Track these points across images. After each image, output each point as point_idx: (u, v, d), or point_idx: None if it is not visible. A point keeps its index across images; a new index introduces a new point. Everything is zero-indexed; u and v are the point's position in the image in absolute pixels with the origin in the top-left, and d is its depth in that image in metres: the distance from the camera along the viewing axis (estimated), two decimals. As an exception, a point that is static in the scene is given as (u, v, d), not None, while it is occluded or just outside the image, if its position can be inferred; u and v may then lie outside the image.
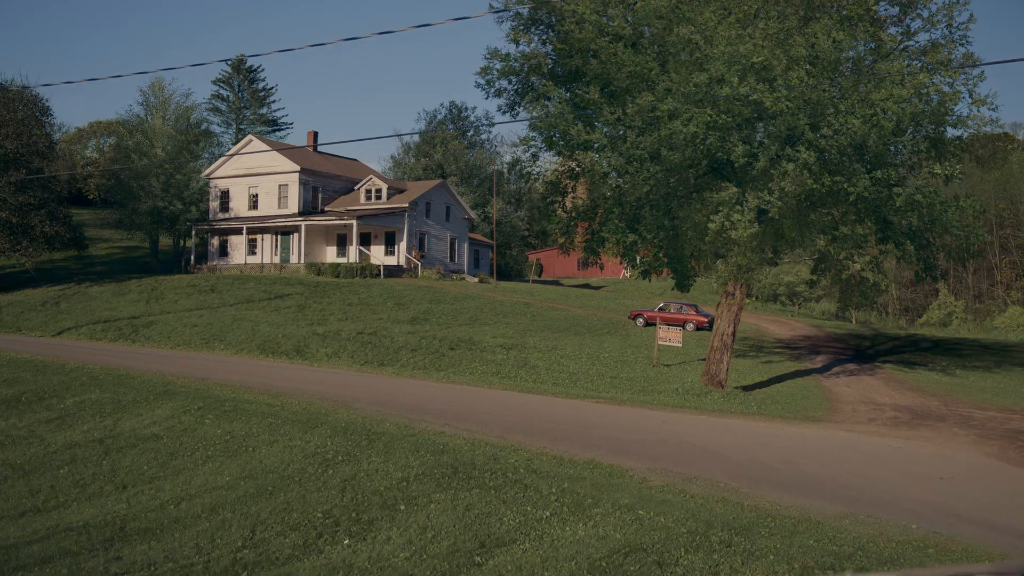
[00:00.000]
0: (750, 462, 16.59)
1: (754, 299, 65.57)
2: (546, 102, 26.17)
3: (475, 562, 11.82)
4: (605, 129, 26.06)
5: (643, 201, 26.27)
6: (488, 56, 26.15)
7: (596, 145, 25.92)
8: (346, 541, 12.88)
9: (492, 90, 26.55)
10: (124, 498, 15.05)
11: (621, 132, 26.09)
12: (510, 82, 26.67)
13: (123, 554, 12.52)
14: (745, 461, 16.67)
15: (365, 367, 29.49)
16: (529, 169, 26.60)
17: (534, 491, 14.34)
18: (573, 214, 27.54)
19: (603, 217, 26.68)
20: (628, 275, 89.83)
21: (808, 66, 25.39)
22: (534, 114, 26.16)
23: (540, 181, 26.83)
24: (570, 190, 27.34)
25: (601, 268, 29.56)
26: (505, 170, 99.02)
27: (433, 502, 14.10)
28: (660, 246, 26.54)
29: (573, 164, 26.48)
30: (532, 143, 26.56)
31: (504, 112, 27.27)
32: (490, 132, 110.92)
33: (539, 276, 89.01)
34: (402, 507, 14.01)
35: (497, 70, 26.29)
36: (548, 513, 13.45)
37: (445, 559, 11.95)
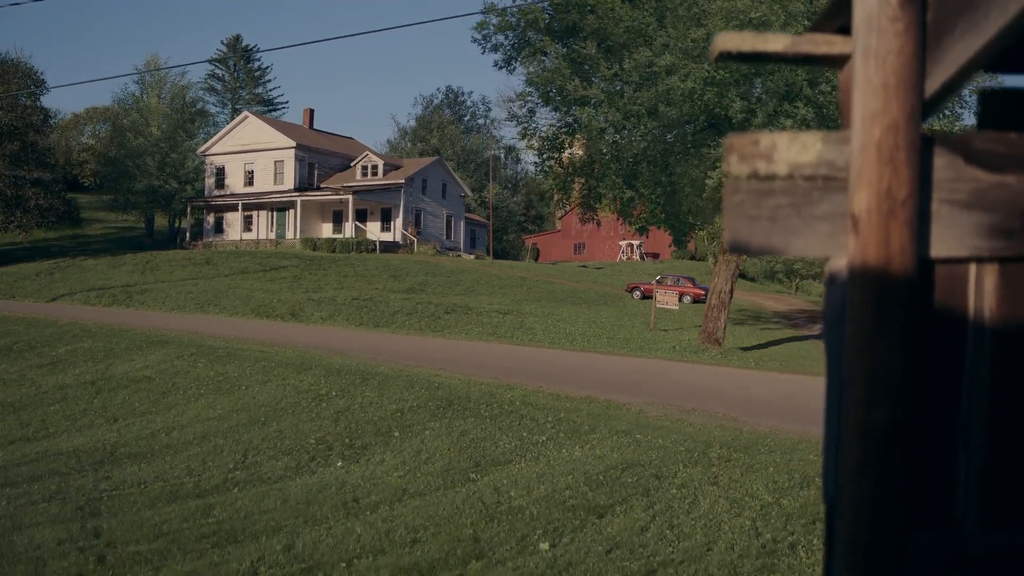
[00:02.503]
0: (748, 398, 16.44)
1: (748, 276, 65.43)
2: (543, 57, 25.94)
3: (470, 478, 11.65)
4: (602, 85, 25.83)
5: (640, 157, 26.06)
6: (485, 10, 25.92)
7: (593, 101, 25.68)
8: (339, 463, 12.72)
9: (488, 45, 26.31)
10: (115, 429, 14.87)
11: (618, 88, 25.87)
12: (507, 37, 26.40)
13: (112, 474, 12.35)
14: (743, 397, 16.52)
15: (360, 327, 29.31)
16: (525, 124, 26.37)
17: (530, 420, 14.18)
18: (570, 170, 27.33)
19: (600, 173, 26.47)
20: (625, 258, 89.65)
21: (806, 21, 25.17)
22: (531, 69, 25.92)
23: (536, 137, 26.56)
24: (567, 146, 27.13)
25: (598, 225, 29.32)
26: (502, 155, 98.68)
27: (428, 429, 13.94)
28: (657, 202, 26.33)
29: (570, 120, 26.25)
30: (528, 99, 26.34)
31: (500, 67, 27.06)
32: (487, 117, 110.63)
33: (535, 259, 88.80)
34: (396, 434, 13.85)
35: (493, 25, 26.05)
36: (544, 438, 13.29)
37: (439, 476, 11.78)
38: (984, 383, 1.55)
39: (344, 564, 8.59)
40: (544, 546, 9.08)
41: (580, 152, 27.23)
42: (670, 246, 43.54)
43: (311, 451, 13.24)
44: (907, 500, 1.48)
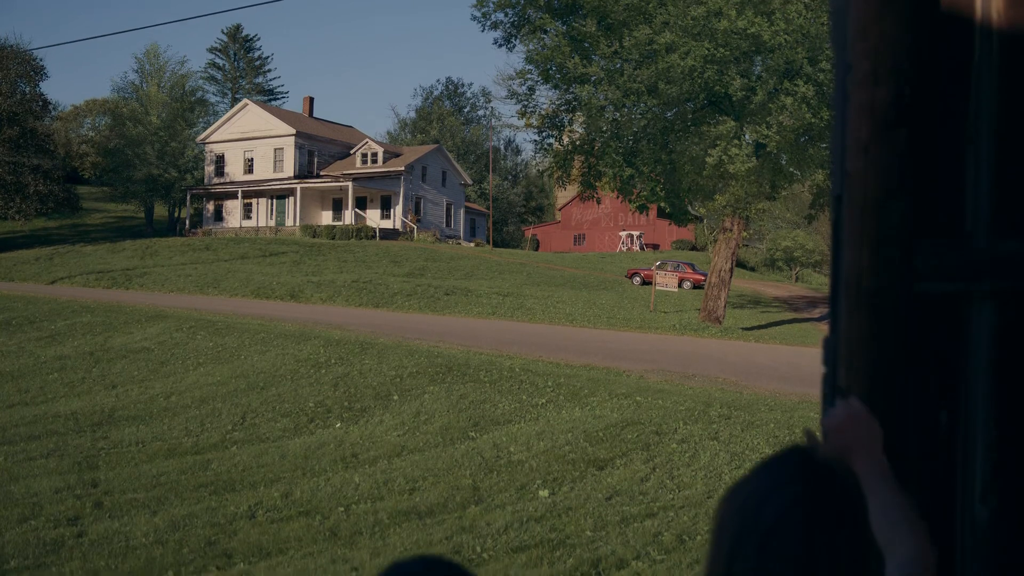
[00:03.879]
0: (749, 365, 16.39)
1: (747, 267, 65.38)
2: (543, 35, 25.85)
3: (469, 436, 11.62)
4: (602, 62, 25.76)
5: (640, 135, 25.99)
6: (484, -12, 25.83)
7: (593, 78, 25.61)
8: (338, 424, 12.68)
9: (488, 23, 26.22)
10: (113, 394, 14.84)
11: (618, 65, 25.79)
12: (506, 14, 26.31)
13: (110, 435, 12.30)
14: (744, 364, 16.47)
15: (360, 307, 29.27)
16: (524, 103, 26.30)
17: (529, 384, 14.14)
18: (570, 148, 27.26)
19: (600, 151, 26.39)
20: (625, 249, 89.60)
21: (807, -1, 25.10)
22: (530, 47, 25.83)
23: (536, 115, 26.49)
24: (567, 124, 27.06)
25: (598, 203, 29.29)
26: (502, 146, 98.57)
27: (427, 393, 13.90)
28: (657, 180, 26.26)
29: (569, 97, 26.18)
30: (528, 76, 26.26)
31: (500, 45, 26.98)
32: (487, 108, 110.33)
33: (535, 250, 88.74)
34: (395, 397, 13.81)
35: (493, 2, 25.96)
36: (544, 400, 13.25)
37: (438, 435, 11.75)
38: (992, 91, 1.50)
39: (342, 508, 8.56)
40: (544, 493, 9.06)
41: (580, 130, 27.18)
42: (670, 222, 43.29)
43: (310, 413, 13.21)
44: (914, 194, 1.43)
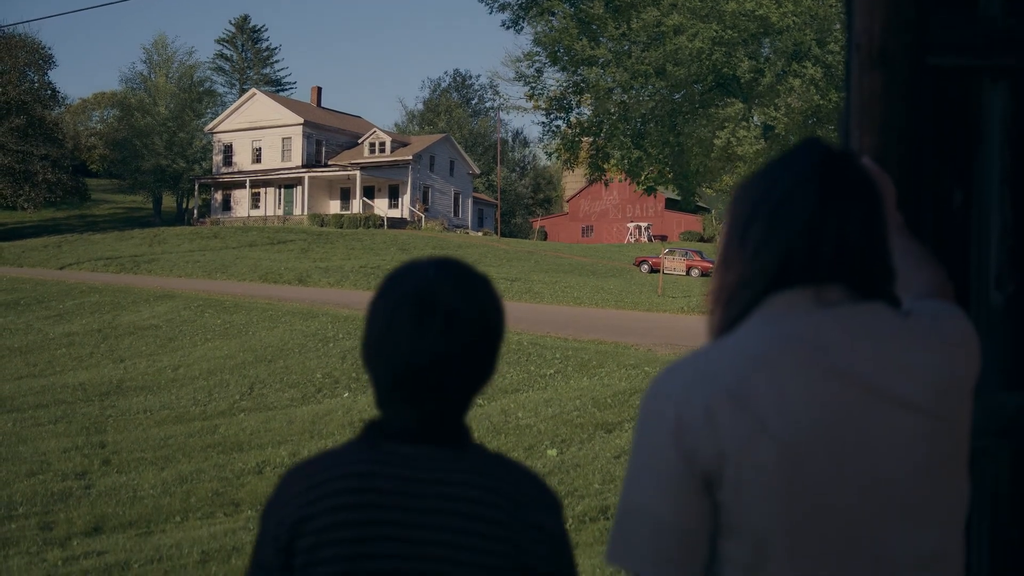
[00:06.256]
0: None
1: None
2: (550, 17, 25.81)
3: (476, 403, 11.59)
4: (610, 44, 25.72)
5: (648, 117, 25.94)
6: (492, -30, 25.78)
7: (601, 61, 25.57)
8: (345, 394, 12.67)
9: (496, 4, 26.17)
10: (121, 367, 14.85)
11: (626, 48, 25.75)
12: (514, -4, 26.30)
13: (118, 404, 12.31)
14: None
15: (368, 291, 29.27)
16: (532, 85, 26.28)
17: (538, 356, 14.14)
18: (577, 130, 27.21)
19: (608, 133, 26.35)
20: (633, 240, 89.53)
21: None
22: (538, 29, 25.80)
23: (544, 97, 26.46)
24: (575, 106, 27.03)
25: (606, 185, 29.25)
26: (509, 138, 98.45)
27: (435, 364, 13.88)
28: (665, 162, 26.23)
29: (577, 79, 26.14)
30: (536, 58, 26.22)
31: (508, 27, 26.94)
32: (495, 100, 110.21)
33: (543, 240, 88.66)
34: (403, 369, 13.80)
35: (501, -16, 25.93)
36: (552, 371, 13.25)
37: (446, 402, 11.74)
38: None
39: (350, 465, 8.55)
40: (552, 452, 9.05)
41: (587, 112, 27.14)
42: (677, 198, 43.47)
43: (317, 384, 13.21)
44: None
